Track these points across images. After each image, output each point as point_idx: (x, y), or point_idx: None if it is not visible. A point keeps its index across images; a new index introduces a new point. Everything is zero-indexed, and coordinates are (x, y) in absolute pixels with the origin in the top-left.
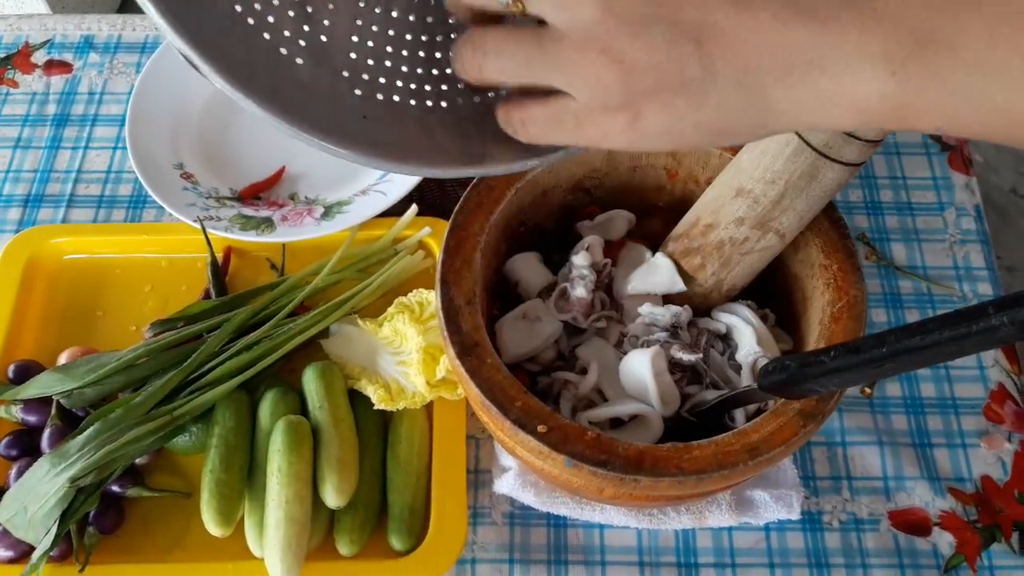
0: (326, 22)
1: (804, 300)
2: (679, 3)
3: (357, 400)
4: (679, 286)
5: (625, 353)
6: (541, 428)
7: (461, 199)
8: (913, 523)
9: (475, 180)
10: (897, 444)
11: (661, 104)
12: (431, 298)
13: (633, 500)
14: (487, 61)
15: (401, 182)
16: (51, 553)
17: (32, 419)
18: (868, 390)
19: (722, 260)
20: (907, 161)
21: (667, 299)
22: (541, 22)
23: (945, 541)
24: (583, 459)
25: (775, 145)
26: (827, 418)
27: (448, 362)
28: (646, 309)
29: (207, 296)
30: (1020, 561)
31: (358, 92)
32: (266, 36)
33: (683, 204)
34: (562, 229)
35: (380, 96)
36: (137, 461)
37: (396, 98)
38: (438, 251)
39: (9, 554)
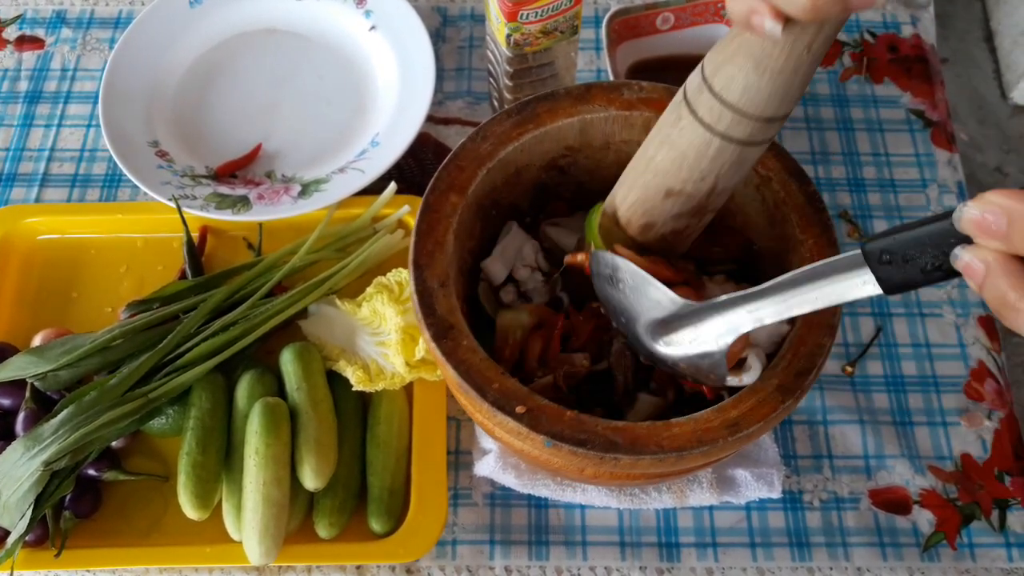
0: None
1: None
2: None
3: (336, 381)
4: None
5: None
6: (519, 409)
7: (432, 180)
8: (893, 501)
9: (445, 161)
10: (878, 423)
11: None
12: None
13: (614, 479)
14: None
15: (379, 160)
16: (27, 538)
17: (6, 402)
18: (850, 368)
19: (667, 247)
20: (890, 138)
21: None
22: None
23: (925, 519)
24: (562, 439)
25: (694, 148)
26: (806, 393)
27: (424, 344)
28: None
29: (183, 276)
30: (999, 539)
31: None
32: None
33: None
34: (537, 207)
35: None
36: (113, 444)
37: None
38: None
39: None
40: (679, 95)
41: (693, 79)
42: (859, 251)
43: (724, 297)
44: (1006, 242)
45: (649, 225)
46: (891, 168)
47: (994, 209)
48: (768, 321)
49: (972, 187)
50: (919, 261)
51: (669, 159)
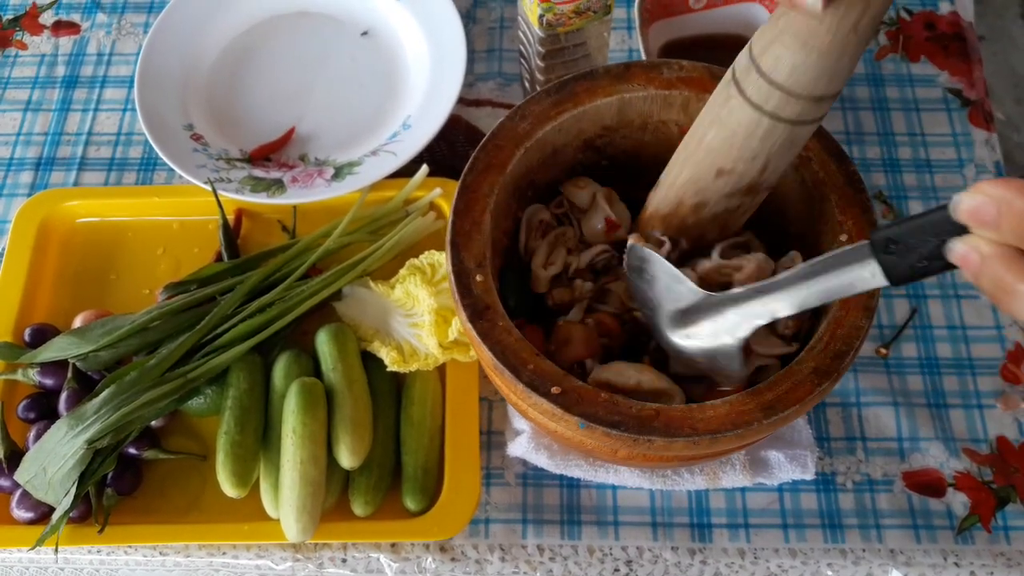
0: None
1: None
2: None
3: (370, 362)
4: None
5: None
6: (555, 390)
7: (470, 160)
8: (927, 484)
9: (483, 140)
10: (912, 405)
11: None
12: (443, 260)
13: (647, 461)
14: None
15: (411, 142)
16: (71, 514)
17: (49, 382)
18: (884, 350)
19: (720, 226)
20: (926, 117)
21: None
22: None
23: (959, 502)
24: (596, 420)
25: (744, 128)
26: (842, 376)
27: (460, 325)
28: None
29: (219, 258)
30: None
31: None
32: None
33: None
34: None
35: None
36: (153, 424)
37: None
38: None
39: (29, 515)
40: (728, 74)
41: (742, 58)
42: (866, 242)
43: (740, 289)
44: (997, 232)
45: (701, 204)
46: (927, 148)
47: (985, 199)
48: (782, 314)
49: (1009, 167)
50: (920, 250)
51: (720, 138)
